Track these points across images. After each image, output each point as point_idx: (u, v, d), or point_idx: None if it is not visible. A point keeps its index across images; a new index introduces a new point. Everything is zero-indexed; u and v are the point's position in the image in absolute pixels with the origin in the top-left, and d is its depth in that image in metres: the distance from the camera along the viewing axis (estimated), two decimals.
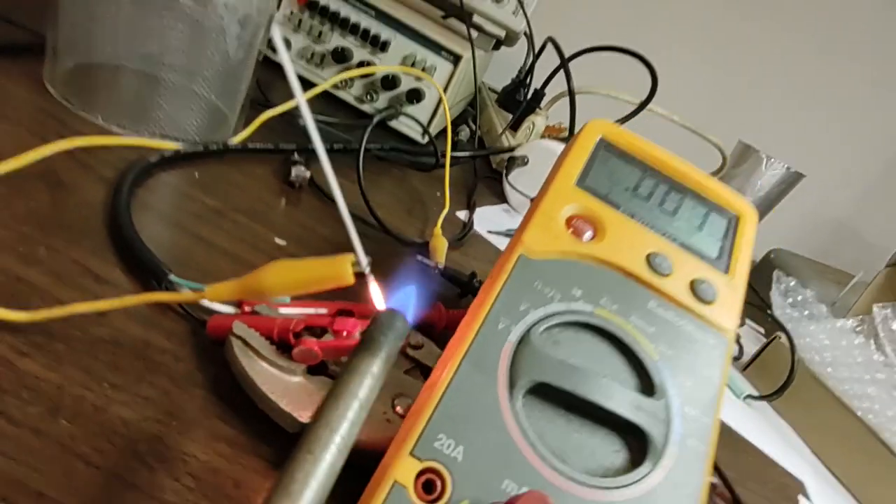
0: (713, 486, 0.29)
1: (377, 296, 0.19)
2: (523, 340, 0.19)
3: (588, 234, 0.23)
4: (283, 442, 0.20)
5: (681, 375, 0.20)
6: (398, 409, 0.22)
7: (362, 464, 0.19)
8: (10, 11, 0.39)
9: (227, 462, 0.19)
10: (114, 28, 0.36)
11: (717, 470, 0.32)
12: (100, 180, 0.29)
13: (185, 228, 0.29)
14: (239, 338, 0.21)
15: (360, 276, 0.19)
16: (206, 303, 0.22)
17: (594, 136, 0.26)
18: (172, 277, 0.23)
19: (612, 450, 0.18)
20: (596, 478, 0.17)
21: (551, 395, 0.18)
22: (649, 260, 0.22)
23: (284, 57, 0.15)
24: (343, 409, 0.15)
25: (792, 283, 0.45)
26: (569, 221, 0.23)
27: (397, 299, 0.19)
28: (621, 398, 0.18)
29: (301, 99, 0.15)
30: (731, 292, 0.23)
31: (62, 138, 0.29)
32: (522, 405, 0.18)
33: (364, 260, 0.18)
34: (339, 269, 0.18)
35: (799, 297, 0.44)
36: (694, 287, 0.22)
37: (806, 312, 0.43)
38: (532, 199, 0.58)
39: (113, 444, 0.17)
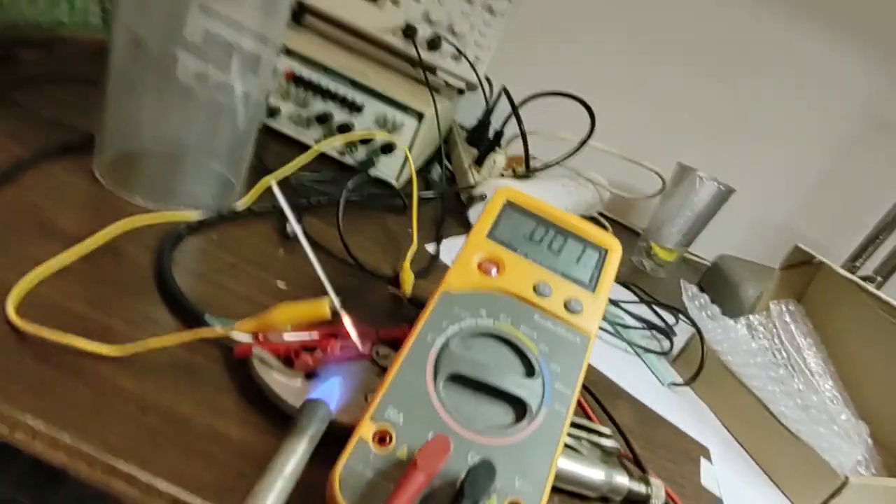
0: (617, 451, 0.38)
1: (348, 322, 0.29)
2: (444, 346, 0.29)
3: (494, 272, 0.33)
4: (285, 424, 0.30)
5: (553, 364, 0.30)
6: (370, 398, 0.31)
7: (343, 436, 0.29)
8: (60, 115, 0.49)
9: (247, 434, 0.28)
10: (151, 118, 0.46)
11: (624, 439, 0.41)
12: (146, 248, 0.39)
13: (210, 280, 0.39)
14: (258, 357, 0.31)
15: (335, 312, 0.29)
16: (234, 334, 0.32)
17: (502, 199, 0.36)
18: (207, 317, 0.33)
19: (503, 413, 0.28)
20: (492, 429, 0.27)
21: (463, 382, 0.28)
22: (535, 287, 0.32)
23: (305, 244, 0.25)
24: (269, 483, 0.22)
25: (694, 289, 0.55)
26: (480, 265, 0.33)
27: (324, 389, 0.28)
28: (511, 380, 0.28)
29: (307, 249, 0.25)
30: (594, 305, 0.33)
31: (114, 219, 0.39)
32: (443, 388, 0.27)
33: (336, 301, 0.28)
34: (319, 309, 0.28)
35: (701, 301, 0.54)
36: (567, 304, 0.32)
37: (708, 313, 0.53)
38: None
39: (209, 452, 0.27)
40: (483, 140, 0.92)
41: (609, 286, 0.34)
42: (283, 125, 0.69)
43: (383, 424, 0.25)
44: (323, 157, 0.69)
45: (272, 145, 0.67)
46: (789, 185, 1.13)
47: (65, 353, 0.28)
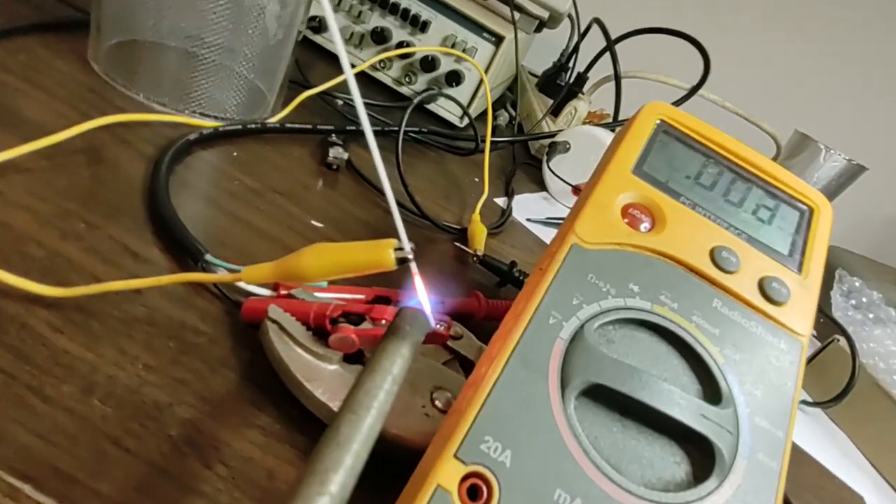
0: None
1: (419, 282, 0.18)
2: (576, 337, 0.17)
3: (645, 225, 0.21)
4: (317, 432, 0.19)
5: (749, 382, 0.18)
6: (437, 403, 0.21)
7: (401, 458, 0.18)
8: None
9: (261, 451, 0.18)
10: (156, 5, 0.36)
11: None
12: (139, 157, 0.29)
13: (222, 207, 0.28)
14: (275, 322, 0.20)
15: (400, 263, 0.17)
16: (242, 285, 0.21)
17: (652, 119, 0.24)
18: (209, 257, 0.22)
19: (672, 461, 0.16)
20: (656, 492, 0.15)
21: (606, 399, 0.17)
22: (713, 254, 0.20)
23: (333, 26, 0.14)
24: (379, 381, 0.15)
25: (857, 284, 0.42)
26: (624, 210, 0.21)
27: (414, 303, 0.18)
28: (684, 404, 0.17)
29: (349, 72, 0.14)
30: (804, 293, 0.20)
31: (103, 114, 0.29)
32: (575, 408, 0.16)
33: (408, 245, 0.17)
34: (381, 255, 0.17)
35: (864, 300, 0.41)
36: (763, 286, 0.20)
37: (871, 316, 0.40)
38: (573, 187, 0.56)
39: (146, 427, 0.17)
40: (557, 88, 0.78)
41: (821, 266, 0.22)
42: (330, 41, 0.58)
43: (477, 467, 0.14)
44: (374, 85, 0.58)
45: (317, 64, 0.55)
46: None
47: None
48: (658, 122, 0.24)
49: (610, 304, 0.18)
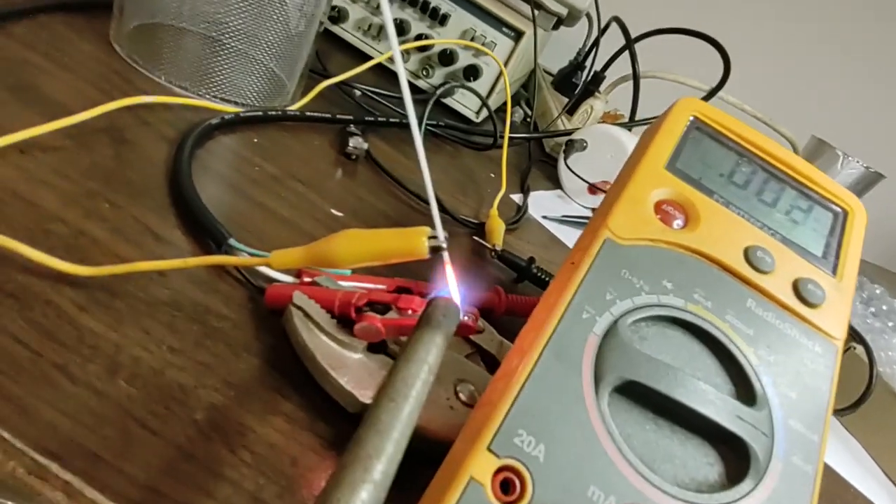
0: None
1: (450, 272, 0.17)
2: (610, 333, 0.17)
3: (679, 222, 0.21)
4: (340, 421, 0.19)
5: (784, 385, 0.18)
6: (461, 395, 0.20)
7: (424, 450, 0.18)
8: None
9: (284, 438, 0.18)
10: None
11: None
12: (161, 139, 0.28)
13: (243, 192, 0.28)
14: (299, 308, 0.20)
15: (433, 252, 0.17)
16: (266, 270, 0.21)
17: (686, 115, 0.24)
18: (232, 242, 0.22)
19: (705, 461, 0.16)
20: (690, 492, 0.15)
21: (640, 396, 0.16)
22: (747, 254, 0.20)
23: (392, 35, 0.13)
24: (416, 370, 0.15)
25: (878, 291, 0.41)
26: (657, 207, 0.21)
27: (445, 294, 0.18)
28: (719, 404, 0.16)
29: (395, 44, 0.13)
30: (839, 297, 0.20)
31: (126, 95, 0.28)
32: (608, 405, 0.16)
33: (441, 235, 0.17)
34: (416, 242, 0.17)
35: (884, 307, 0.40)
36: (798, 287, 0.20)
37: (891, 324, 0.39)
38: (590, 185, 0.55)
39: (170, 409, 0.16)
40: (572, 87, 0.78)
41: (856, 269, 0.21)
42: (348, 33, 0.57)
43: (510, 461, 0.14)
44: (393, 78, 0.57)
45: (335, 55, 0.55)
46: None
47: (8, 265, 0.18)
48: (691, 118, 0.23)
49: (643, 300, 0.18)
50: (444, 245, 0.17)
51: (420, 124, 0.38)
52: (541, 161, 0.61)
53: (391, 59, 0.58)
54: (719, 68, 0.60)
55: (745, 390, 0.17)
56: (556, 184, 0.57)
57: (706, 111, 0.24)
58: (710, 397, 0.16)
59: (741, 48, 0.66)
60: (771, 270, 0.20)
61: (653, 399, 0.16)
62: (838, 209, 0.23)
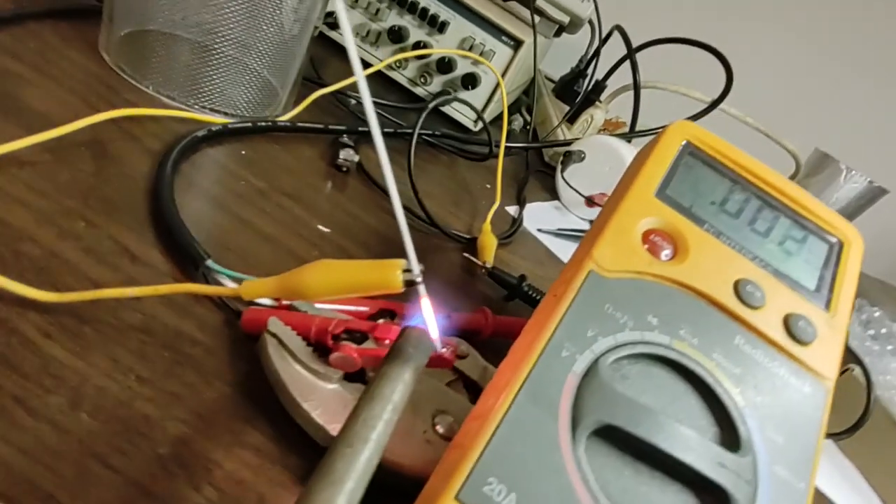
0: None
1: (427, 305, 0.17)
2: (590, 373, 0.16)
3: (667, 253, 0.20)
4: (313, 454, 0.18)
5: (771, 428, 0.17)
6: (439, 428, 0.20)
7: (399, 485, 0.17)
8: None
9: (253, 473, 0.17)
10: None
11: None
12: (146, 152, 0.28)
13: (227, 209, 0.27)
14: (274, 336, 0.19)
15: (407, 285, 0.17)
16: (242, 296, 0.20)
17: (678, 139, 0.23)
18: (210, 263, 0.22)
19: None
20: None
21: (619, 440, 0.16)
22: (737, 288, 0.19)
23: (346, 28, 0.13)
24: (378, 411, 0.14)
25: (877, 314, 0.40)
26: (645, 236, 0.20)
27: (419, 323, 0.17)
28: (701, 451, 0.16)
29: (360, 74, 0.13)
30: (831, 333, 0.19)
31: (112, 107, 0.28)
32: (585, 449, 0.15)
33: (416, 268, 0.16)
34: (389, 276, 0.16)
35: (882, 330, 0.39)
36: (789, 324, 0.19)
37: (889, 347, 0.38)
38: (587, 199, 0.55)
39: (133, 444, 0.16)
40: (574, 95, 0.77)
41: (850, 303, 0.21)
42: None
43: None
44: (388, 84, 0.57)
45: (333, 62, 0.54)
46: None
47: None
48: (684, 142, 0.23)
49: (627, 337, 0.17)
50: (419, 279, 0.16)
51: (413, 134, 0.37)
52: (540, 171, 0.61)
53: (390, 66, 0.57)
54: (722, 80, 0.59)
55: (729, 434, 0.17)
56: (554, 194, 0.57)
57: (700, 135, 0.23)
58: (692, 443, 0.16)
59: (744, 60, 0.66)
60: (761, 305, 0.19)
61: (632, 443, 0.16)
62: (834, 239, 0.22)
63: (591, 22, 0.73)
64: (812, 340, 0.19)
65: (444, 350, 0.19)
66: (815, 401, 0.18)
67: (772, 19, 0.89)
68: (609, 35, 0.69)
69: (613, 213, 0.20)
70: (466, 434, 0.15)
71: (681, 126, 0.23)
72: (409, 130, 0.39)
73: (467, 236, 0.37)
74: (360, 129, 0.41)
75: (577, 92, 0.77)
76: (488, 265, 0.34)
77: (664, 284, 0.19)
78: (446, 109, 0.57)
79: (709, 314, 0.19)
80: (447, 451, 0.16)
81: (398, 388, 0.15)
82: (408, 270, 0.16)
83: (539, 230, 0.47)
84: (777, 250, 0.21)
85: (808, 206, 0.23)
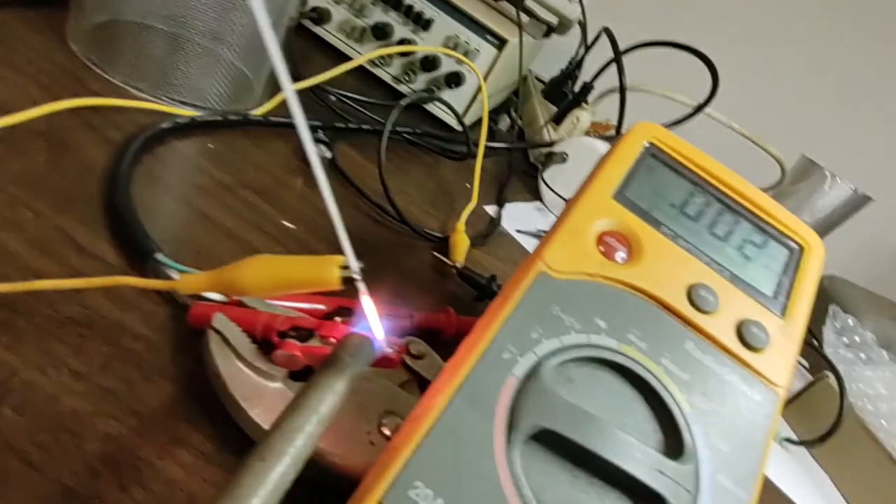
0: None
1: (368, 305, 0.16)
2: (531, 375, 0.16)
3: (621, 255, 0.20)
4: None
5: (716, 436, 0.17)
6: (385, 429, 0.19)
7: (340, 486, 0.17)
8: None
9: (185, 473, 0.17)
10: None
11: None
12: (106, 144, 0.27)
13: (187, 202, 0.27)
14: (218, 332, 0.19)
15: (346, 283, 0.16)
16: (181, 290, 0.20)
17: (640, 140, 0.23)
18: (159, 257, 0.21)
19: None
20: None
21: (557, 446, 0.15)
22: (691, 292, 0.19)
23: (261, 15, 0.12)
24: (301, 422, 0.13)
25: (850, 323, 0.40)
26: (600, 238, 0.20)
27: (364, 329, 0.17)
28: (640, 457, 0.15)
29: (289, 88, 0.12)
30: (785, 341, 0.19)
31: (75, 96, 0.27)
32: (521, 454, 0.15)
33: (355, 264, 0.16)
34: (326, 272, 0.16)
35: (856, 338, 0.39)
36: (742, 330, 0.19)
37: (862, 356, 0.38)
38: (567, 202, 0.54)
39: (59, 441, 0.16)
40: (563, 96, 0.77)
41: (807, 310, 0.20)
42: (330, 34, 0.56)
43: None
44: (372, 81, 0.56)
45: (315, 56, 0.54)
46: None
47: None
48: (647, 144, 0.23)
49: (572, 339, 0.17)
50: (357, 276, 0.16)
51: (384, 131, 0.37)
52: (524, 172, 0.60)
53: (374, 63, 0.57)
54: (708, 84, 0.59)
55: (673, 441, 0.16)
56: (537, 196, 0.56)
57: (663, 137, 0.23)
58: (631, 450, 0.15)
59: (731, 65, 0.65)
60: (714, 310, 0.19)
61: (570, 449, 0.15)
62: (794, 245, 0.22)
63: (580, 23, 0.73)
64: (764, 347, 0.19)
65: (390, 350, 0.18)
66: (764, 409, 0.18)
67: (759, 25, 0.89)
68: (597, 37, 0.68)
69: (569, 213, 0.20)
70: (400, 436, 0.15)
71: (644, 127, 0.23)
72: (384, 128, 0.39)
73: (440, 235, 0.37)
74: (335, 124, 0.40)
75: (565, 94, 0.77)
76: (458, 265, 0.34)
77: (615, 287, 0.19)
78: (432, 109, 0.57)
79: (660, 318, 0.18)
80: (383, 453, 0.16)
81: (327, 398, 0.15)
82: (346, 267, 0.16)
83: (518, 231, 0.47)
84: (736, 255, 0.21)
85: (771, 211, 0.22)
